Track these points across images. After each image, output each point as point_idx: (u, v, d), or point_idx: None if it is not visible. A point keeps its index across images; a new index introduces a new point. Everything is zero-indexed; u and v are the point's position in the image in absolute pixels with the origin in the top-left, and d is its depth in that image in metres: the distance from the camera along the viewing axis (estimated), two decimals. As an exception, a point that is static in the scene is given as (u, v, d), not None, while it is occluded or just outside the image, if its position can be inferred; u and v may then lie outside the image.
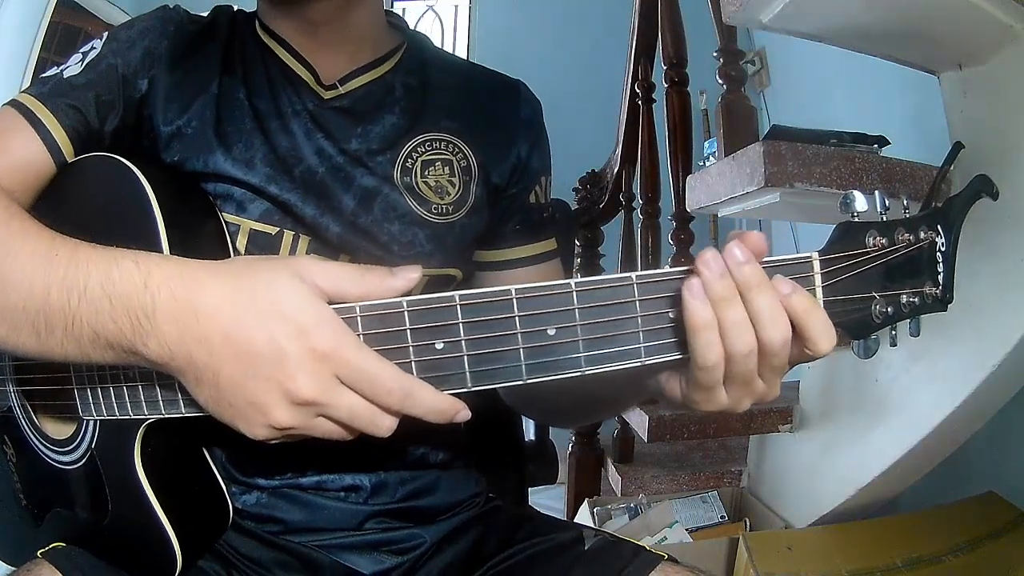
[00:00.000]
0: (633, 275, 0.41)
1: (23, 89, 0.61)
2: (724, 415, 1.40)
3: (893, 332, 0.45)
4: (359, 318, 0.42)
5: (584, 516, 1.58)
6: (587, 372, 0.42)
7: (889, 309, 0.43)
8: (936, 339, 1.06)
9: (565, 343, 0.41)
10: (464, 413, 0.43)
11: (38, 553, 0.56)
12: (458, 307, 0.41)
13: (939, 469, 1.22)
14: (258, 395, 0.40)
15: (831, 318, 0.42)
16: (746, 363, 0.41)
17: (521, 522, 0.69)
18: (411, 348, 0.42)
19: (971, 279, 0.96)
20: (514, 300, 0.41)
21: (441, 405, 0.42)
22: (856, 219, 0.43)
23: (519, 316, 0.41)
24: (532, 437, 1.01)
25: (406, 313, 0.42)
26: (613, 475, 1.72)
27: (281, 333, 0.39)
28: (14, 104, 0.59)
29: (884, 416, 1.17)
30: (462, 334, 0.41)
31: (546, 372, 0.42)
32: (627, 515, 1.52)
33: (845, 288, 0.43)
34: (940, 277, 0.44)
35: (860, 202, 0.43)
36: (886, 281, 0.43)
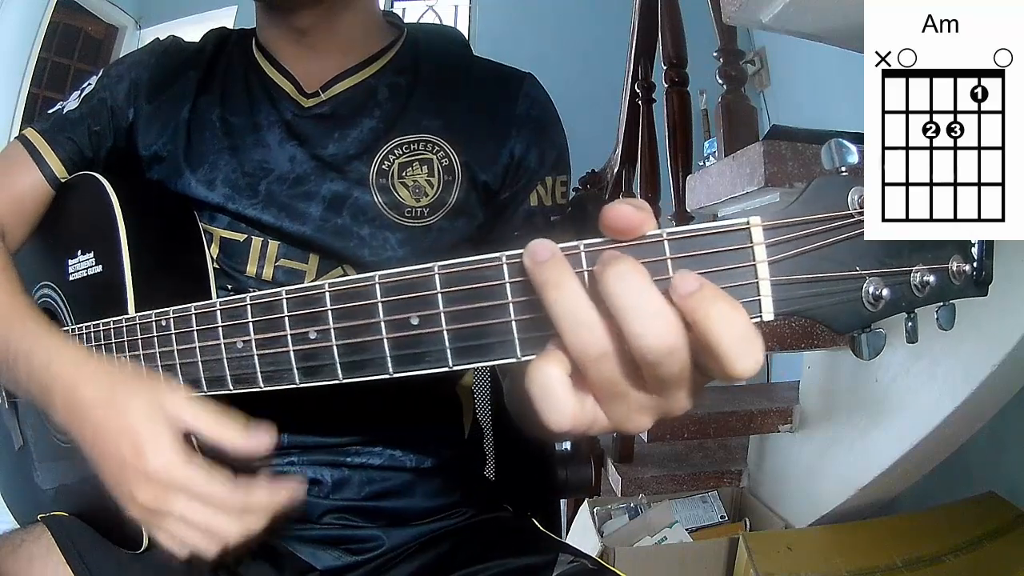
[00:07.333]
0: (503, 255, 0.34)
1: (32, 124, 0.68)
2: (724, 415, 1.40)
3: (910, 323, 0.33)
4: (248, 306, 0.43)
5: (584, 516, 1.58)
6: (456, 368, 0.37)
7: (886, 292, 0.31)
8: (936, 339, 1.05)
9: (429, 333, 0.36)
10: (300, 491, 0.48)
11: (38, 517, 0.61)
12: (327, 295, 0.39)
13: (939, 469, 1.22)
14: (120, 484, 0.47)
15: (784, 306, 0.31)
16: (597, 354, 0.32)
17: (502, 538, 0.66)
18: (289, 337, 0.41)
19: (971, 279, 0.96)
20: (377, 286, 0.37)
21: (274, 504, 0.47)
22: (844, 173, 0.32)
23: (382, 304, 0.37)
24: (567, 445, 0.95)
25: (284, 301, 0.41)
26: (613, 475, 1.72)
27: (125, 449, 0.46)
28: (21, 139, 0.66)
29: (884, 416, 1.17)
30: (331, 323, 0.39)
31: (412, 365, 0.38)
32: (627, 515, 1.52)
33: (811, 264, 0.31)
34: (973, 250, 0.32)
35: (852, 154, 0.31)
36: (884, 255, 0.31)
